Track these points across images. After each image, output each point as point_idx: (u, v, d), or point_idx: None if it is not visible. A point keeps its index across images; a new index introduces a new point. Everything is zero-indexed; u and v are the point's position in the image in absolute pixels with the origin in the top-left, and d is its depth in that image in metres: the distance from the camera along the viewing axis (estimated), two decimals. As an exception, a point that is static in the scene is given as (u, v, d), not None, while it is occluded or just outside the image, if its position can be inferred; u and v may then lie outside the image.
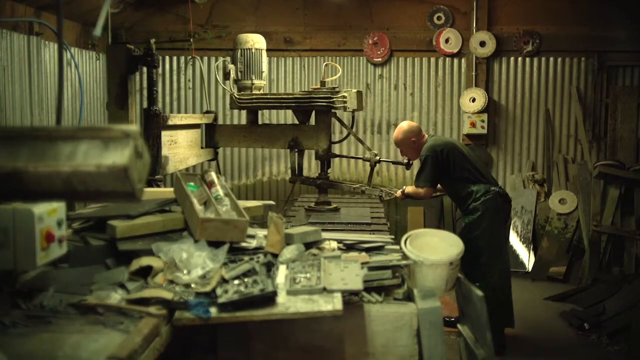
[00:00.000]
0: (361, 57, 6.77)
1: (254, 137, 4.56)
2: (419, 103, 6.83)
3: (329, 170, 4.49)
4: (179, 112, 6.81)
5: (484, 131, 6.60)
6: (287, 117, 6.56)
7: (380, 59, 6.73)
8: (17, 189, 1.31)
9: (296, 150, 4.44)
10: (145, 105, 3.96)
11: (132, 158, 1.28)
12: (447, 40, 6.65)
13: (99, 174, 1.27)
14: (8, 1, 4.68)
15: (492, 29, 6.64)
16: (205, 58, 6.77)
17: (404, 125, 4.47)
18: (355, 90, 4.13)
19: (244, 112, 6.57)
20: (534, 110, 6.78)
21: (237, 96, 4.43)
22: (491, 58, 6.69)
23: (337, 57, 6.78)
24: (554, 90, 6.74)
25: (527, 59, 6.72)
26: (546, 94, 6.75)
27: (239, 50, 4.46)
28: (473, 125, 6.57)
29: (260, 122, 4.70)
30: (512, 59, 6.74)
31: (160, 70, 6.62)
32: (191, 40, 6.34)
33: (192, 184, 2.72)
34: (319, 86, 4.34)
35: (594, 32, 6.55)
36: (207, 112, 4.84)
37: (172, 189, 2.91)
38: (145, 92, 4.58)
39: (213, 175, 2.80)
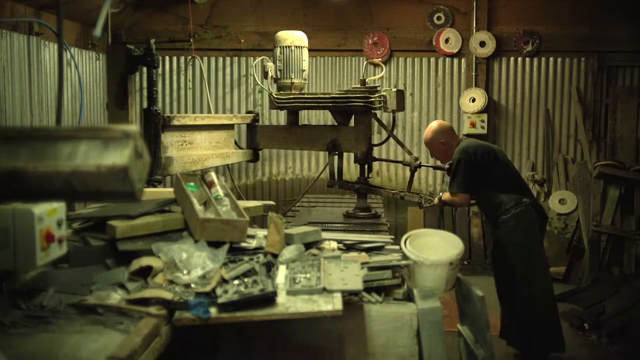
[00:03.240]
0: (361, 57, 6.77)
1: (293, 138, 4.45)
2: (419, 103, 6.83)
3: (370, 174, 4.31)
4: (178, 112, 6.82)
5: (484, 131, 6.60)
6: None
7: (380, 59, 6.72)
8: (17, 189, 1.31)
9: (335, 152, 4.27)
10: (145, 105, 3.95)
11: (132, 158, 1.28)
12: (447, 40, 6.65)
13: (99, 174, 1.27)
14: (8, 1, 4.68)
15: (492, 29, 6.64)
16: (205, 58, 6.77)
17: (434, 125, 4.09)
18: (395, 90, 3.94)
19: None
20: (534, 110, 6.78)
21: (275, 96, 4.34)
22: (491, 58, 6.69)
23: (337, 57, 6.79)
24: (554, 90, 6.74)
25: (527, 59, 6.72)
26: (546, 94, 6.75)
27: (279, 48, 4.32)
28: (473, 125, 6.57)
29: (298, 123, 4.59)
30: (512, 59, 6.74)
31: (160, 70, 6.62)
32: (191, 40, 6.35)
33: (192, 184, 2.72)
34: (358, 85, 4.18)
35: (594, 32, 6.56)
36: (249, 112, 4.79)
37: (172, 189, 2.91)
38: (145, 92, 4.57)
39: (213, 175, 2.80)
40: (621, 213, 6.09)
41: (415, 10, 6.73)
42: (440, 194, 4.05)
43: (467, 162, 3.80)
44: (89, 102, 5.99)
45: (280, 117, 6.63)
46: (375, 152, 6.44)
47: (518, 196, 3.81)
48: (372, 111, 4.09)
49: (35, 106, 5.06)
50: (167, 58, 6.75)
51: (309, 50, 6.45)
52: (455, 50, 6.67)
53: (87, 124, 5.92)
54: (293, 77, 4.31)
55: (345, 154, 4.44)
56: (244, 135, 5.28)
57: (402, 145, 4.28)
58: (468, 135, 6.65)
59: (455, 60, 6.76)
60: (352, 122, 4.30)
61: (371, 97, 3.97)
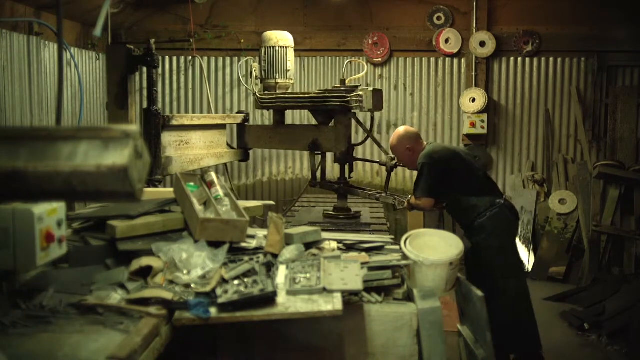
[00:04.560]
0: (361, 57, 6.77)
1: (278, 138, 4.47)
2: (419, 103, 6.83)
3: (351, 174, 4.28)
4: (179, 112, 6.82)
5: (484, 131, 6.60)
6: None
7: (380, 59, 6.73)
8: (17, 189, 1.31)
9: (318, 152, 4.26)
10: (145, 105, 3.95)
11: (132, 158, 1.28)
12: (447, 41, 6.65)
13: (99, 174, 1.27)
14: (8, 1, 4.68)
15: (492, 29, 6.64)
16: (206, 58, 6.77)
17: (400, 130, 4.03)
18: (372, 89, 3.91)
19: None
20: (534, 110, 6.78)
21: (259, 96, 4.36)
22: (491, 58, 6.69)
23: (337, 58, 6.79)
24: (554, 90, 6.74)
25: (527, 59, 6.72)
26: (546, 94, 6.75)
27: (263, 49, 4.35)
28: (473, 125, 6.57)
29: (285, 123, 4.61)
30: (512, 59, 6.74)
31: (160, 70, 6.62)
32: (191, 40, 6.35)
33: (192, 184, 2.72)
34: (338, 85, 4.15)
35: (594, 32, 6.56)
36: (239, 112, 4.81)
37: (172, 189, 2.91)
38: (145, 92, 4.57)
39: (213, 175, 2.80)
40: (621, 213, 6.09)
41: (415, 10, 6.74)
42: (409, 197, 3.98)
43: (431, 166, 3.76)
44: (89, 102, 5.99)
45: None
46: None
47: (491, 198, 3.76)
48: (352, 111, 4.05)
49: (35, 106, 5.06)
50: (167, 58, 6.75)
51: (309, 50, 6.44)
52: (455, 50, 6.66)
53: (87, 124, 5.92)
54: (277, 77, 4.32)
55: (328, 154, 4.42)
56: (232, 135, 5.27)
57: (380, 145, 4.25)
58: (468, 136, 6.68)
59: (455, 60, 6.76)
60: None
61: (348, 97, 3.93)
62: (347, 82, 4.14)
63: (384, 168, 4.14)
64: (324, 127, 4.26)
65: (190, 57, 6.68)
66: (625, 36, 6.43)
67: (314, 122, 4.92)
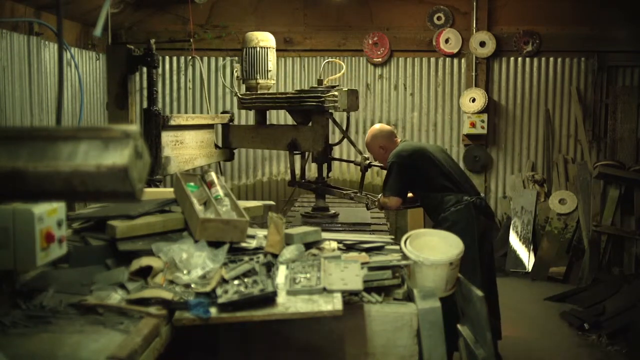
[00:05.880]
0: (361, 57, 6.78)
1: (260, 138, 4.51)
2: (419, 103, 6.83)
3: (329, 174, 4.29)
4: (178, 112, 6.82)
5: (484, 131, 6.60)
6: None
7: (380, 59, 6.73)
8: (17, 189, 1.31)
9: (299, 152, 4.29)
10: (145, 105, 3.96)
11: (132, 158, 1.28)
12: (447, 41, 6.66)
13: (99, 174, 1.27)
14: (8, 1, 4.68)
15: (492, 29, 6.65)
16: (205, 58, 6.77)
17: (375, 127, 4.08)
18: (347, 89, 3.91)
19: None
20: (534, 110, 6.78)
21: (240, 96, 4.41)
22: (491, 58, 6.69)
23: (337, 58, 6.78)
24: (554, 90, 6.74)
25: (527, 59, 6.72)
26: (546, 94, 6.75)
27: (245, 49, 4.41)
28: (473, 125, 6.57)
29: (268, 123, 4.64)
30: (512, 59, 6.74)
31: (160, 70, 6.62)
32: (191, 40, 6.35)
33: (192, 184, 2.72)
34: (317, 85, 4.16)
35: (594, 32, 6.56)
36: (224, 112, 4.84)
37: (172, 189, 2.91)
38: (145, 92, 4.58)
39: (213, 175, 2.80)
40: (621, 213, 6.10)
41: (415, 10, 6.74)
42: (379, 196, 3.96)
43: (400, 166, 3.78)
44: (89, 102, 5.99)
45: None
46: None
47: (459, 195, 3.76)
48: (329, 111, 4.03)
49: (35, 106, 5.07)
50: (167, 58, 6.76)
51: (309, 50, 6.42)
52: (455, 50, 6.67)
53: (87, 124, 5.92)
54: (258, 77, 4.35)
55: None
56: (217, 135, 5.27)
57: (354, 145, 4.24)
58: (468, 136, 6.68)
59: (455, 60, 6.77)
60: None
61: (323, 97, 3.92)
62: (325, 82, 4.13)
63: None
64: (302, 127, 4.26)
65: (190, 57, 6.68)
66: (625, 36, 6.43)
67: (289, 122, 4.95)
